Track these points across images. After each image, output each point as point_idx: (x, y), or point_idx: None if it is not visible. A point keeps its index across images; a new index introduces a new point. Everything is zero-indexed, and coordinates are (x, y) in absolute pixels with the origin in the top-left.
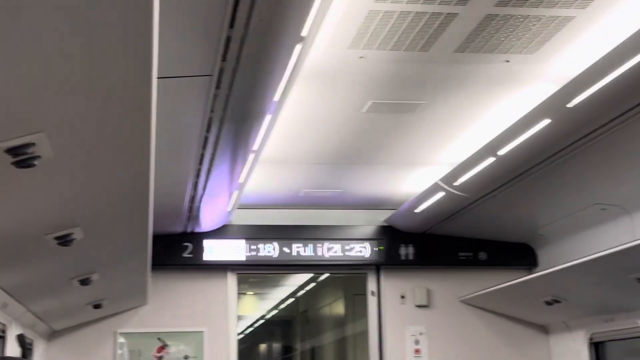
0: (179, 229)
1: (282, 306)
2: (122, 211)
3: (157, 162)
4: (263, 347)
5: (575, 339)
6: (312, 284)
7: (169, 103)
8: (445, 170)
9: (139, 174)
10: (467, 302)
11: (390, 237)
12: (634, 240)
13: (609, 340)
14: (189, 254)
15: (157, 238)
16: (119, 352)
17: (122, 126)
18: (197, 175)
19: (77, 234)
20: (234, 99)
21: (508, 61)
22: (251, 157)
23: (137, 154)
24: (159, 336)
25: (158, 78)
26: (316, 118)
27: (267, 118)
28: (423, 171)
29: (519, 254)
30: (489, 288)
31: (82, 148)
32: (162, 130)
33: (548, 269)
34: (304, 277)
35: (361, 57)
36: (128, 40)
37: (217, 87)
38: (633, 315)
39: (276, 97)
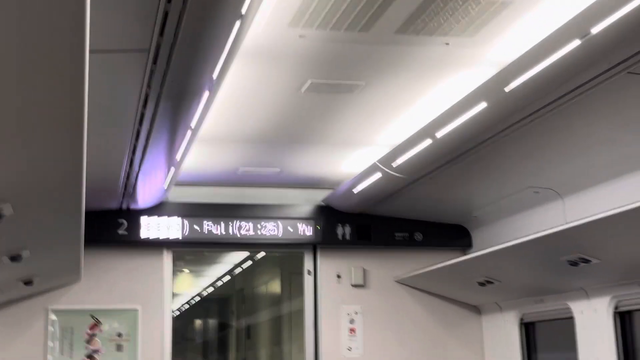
0: (114, 205)
1: (219, 284)
2: (54, 187)
3: (92, 137)
4: (199, 324)
5: (507, 319)
6: (249, 262)
7: (104, 78)
8: (384, 151)
9: (72, 149)
10: (403, 282)
11: (328, 216)
12: (565, 224)
13: (539, 321)
14: (125, 230)
15: (91, 214)
16: (51, 329)
17: (53, 100)
18: (133, 152)
19: (6, 210)
20: (172, 75)
21: (448, 44)
22: (188, 134)
23: (70, 129)
24: (91, 313)
25: (92, 52)
26: (255, 97)
27: (205, 95)
28: (361, 152)
29: (454, 236)
30: (424, 268)
31: (11, 121)
32: (97, 105)
33: (482, 250)
34: (241, 255)
35: (301, 36)
36: (60, 11)
37: (154, 62)
38: (562, 297)
39: (214, 74)
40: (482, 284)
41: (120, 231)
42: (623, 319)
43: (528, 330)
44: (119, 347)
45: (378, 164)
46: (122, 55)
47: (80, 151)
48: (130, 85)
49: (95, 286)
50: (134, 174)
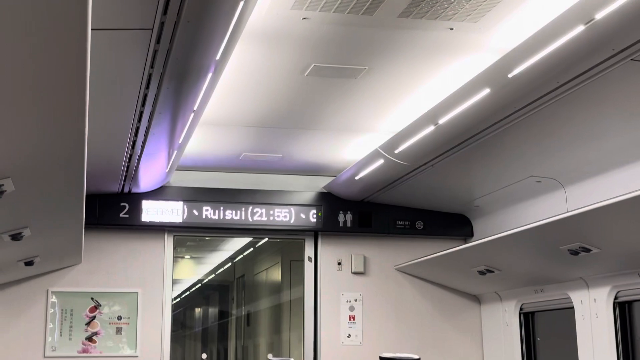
0: (116, 188)
1: (219, 271)
2: (55, 165)
3: (94, 117)
4: (198, 311)
5: (506, 308)
6: (250, 249)
7: (108, 56)
8: (386, 138)
9: (73, 128)
10: (403, 270)
11: (329, 203)
12: (565, 212)
13: (538, 311)
14: (126, 214)
15: (94, 197)
16: (51, 311)
17: (55, 77)
18: (136, 134)
19: (8, 186)
20: (174, 55)
21: (451, 29)
22: (191, 116)
23: (72, 108)
24: (92, 296)
25: (95, 30)
26: (258, 80)
27: (209, 77)
28: (364, 138)
29: (455, 224)
30: (424, 257)
31: (14, 98)
32: (100, 84)
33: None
34: (242, 242)
35: (304, 19)
36: None
37: (157, 42)
38: (562, 287)
39: (218, 55)
40: (482, 273)
41: (122, 214)
42: (623, 309)
43: (527, 320)
44: (118, 330)
45: (380, 150)
46: (126, 34)
47: (82, 130)
48: (133, 64)
49: (95, 269)
50: (136, 157)
